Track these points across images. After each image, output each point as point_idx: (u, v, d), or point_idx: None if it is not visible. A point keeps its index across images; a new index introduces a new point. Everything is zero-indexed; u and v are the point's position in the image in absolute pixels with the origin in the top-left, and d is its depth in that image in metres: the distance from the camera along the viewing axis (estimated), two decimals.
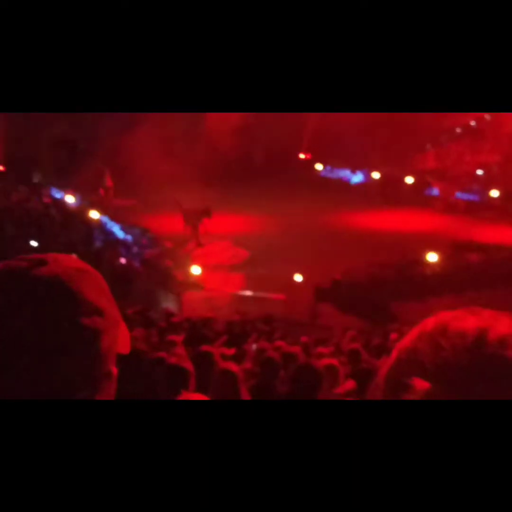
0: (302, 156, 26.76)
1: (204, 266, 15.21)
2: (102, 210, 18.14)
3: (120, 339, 1.07)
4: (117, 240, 16.77)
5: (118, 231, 17.24)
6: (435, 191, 22.87)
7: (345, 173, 25.55)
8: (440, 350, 0.80)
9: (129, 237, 16.95)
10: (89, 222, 17.31)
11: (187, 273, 15.02)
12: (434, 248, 15.26)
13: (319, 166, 26.16)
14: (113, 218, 17.68)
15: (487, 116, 25.85)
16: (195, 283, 14.93)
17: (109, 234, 17.13)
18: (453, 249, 16.02)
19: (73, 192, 18.83)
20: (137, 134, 21.08)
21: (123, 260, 15.33)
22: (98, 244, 16.29)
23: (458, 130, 26.04)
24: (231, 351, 7.96)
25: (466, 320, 0.82)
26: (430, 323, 0.84)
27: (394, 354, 0.87)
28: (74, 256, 1.08)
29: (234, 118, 23.11)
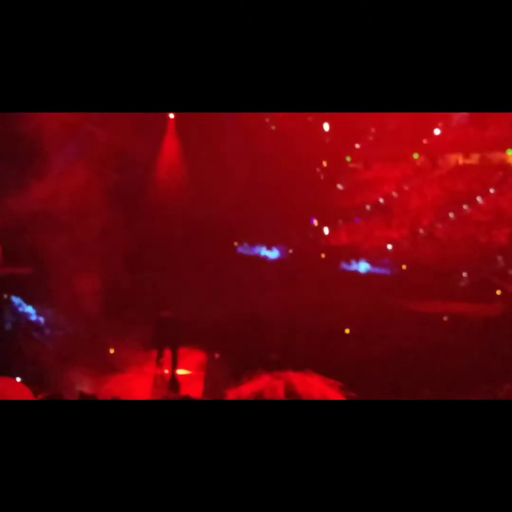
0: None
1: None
2: None
3: None
4: (28, 322, 16.13)
5: (30, 312, 16.60)
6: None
7: (261, 249, 25.93)
8: None
9: (41, 319, 16.35)
10: None
11: (104, 353, 14.57)
12: (350, 321, 15.54)
13: (235, 243, 26.42)
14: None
15: (394, 193, 27.12)
16: (111, 364, 14.49)
17: (20, 316, 16.47)
18: (368, 322, 16.37)
19: None
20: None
21: (34, 343, 14.74)
22: (8, 327, 15.62)
23: (367, 207, 27.09)
24: None
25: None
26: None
27: None
28: None
29: (155, 198, 23.12)
